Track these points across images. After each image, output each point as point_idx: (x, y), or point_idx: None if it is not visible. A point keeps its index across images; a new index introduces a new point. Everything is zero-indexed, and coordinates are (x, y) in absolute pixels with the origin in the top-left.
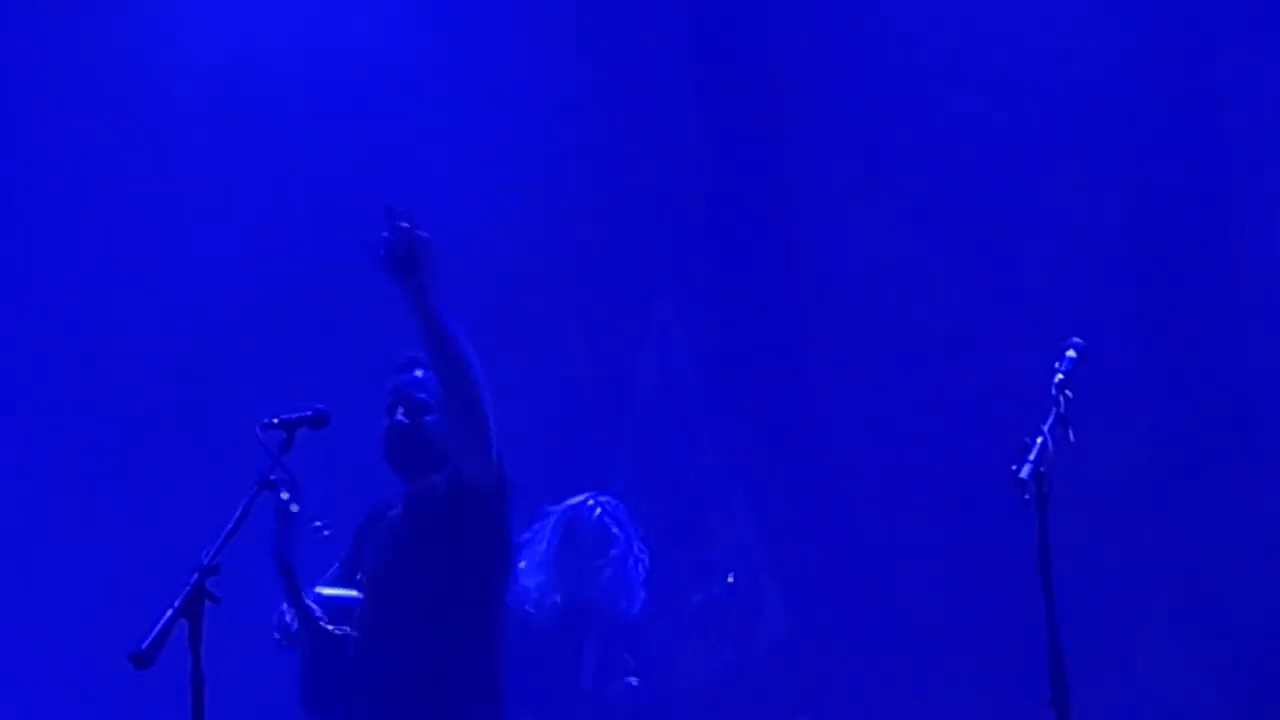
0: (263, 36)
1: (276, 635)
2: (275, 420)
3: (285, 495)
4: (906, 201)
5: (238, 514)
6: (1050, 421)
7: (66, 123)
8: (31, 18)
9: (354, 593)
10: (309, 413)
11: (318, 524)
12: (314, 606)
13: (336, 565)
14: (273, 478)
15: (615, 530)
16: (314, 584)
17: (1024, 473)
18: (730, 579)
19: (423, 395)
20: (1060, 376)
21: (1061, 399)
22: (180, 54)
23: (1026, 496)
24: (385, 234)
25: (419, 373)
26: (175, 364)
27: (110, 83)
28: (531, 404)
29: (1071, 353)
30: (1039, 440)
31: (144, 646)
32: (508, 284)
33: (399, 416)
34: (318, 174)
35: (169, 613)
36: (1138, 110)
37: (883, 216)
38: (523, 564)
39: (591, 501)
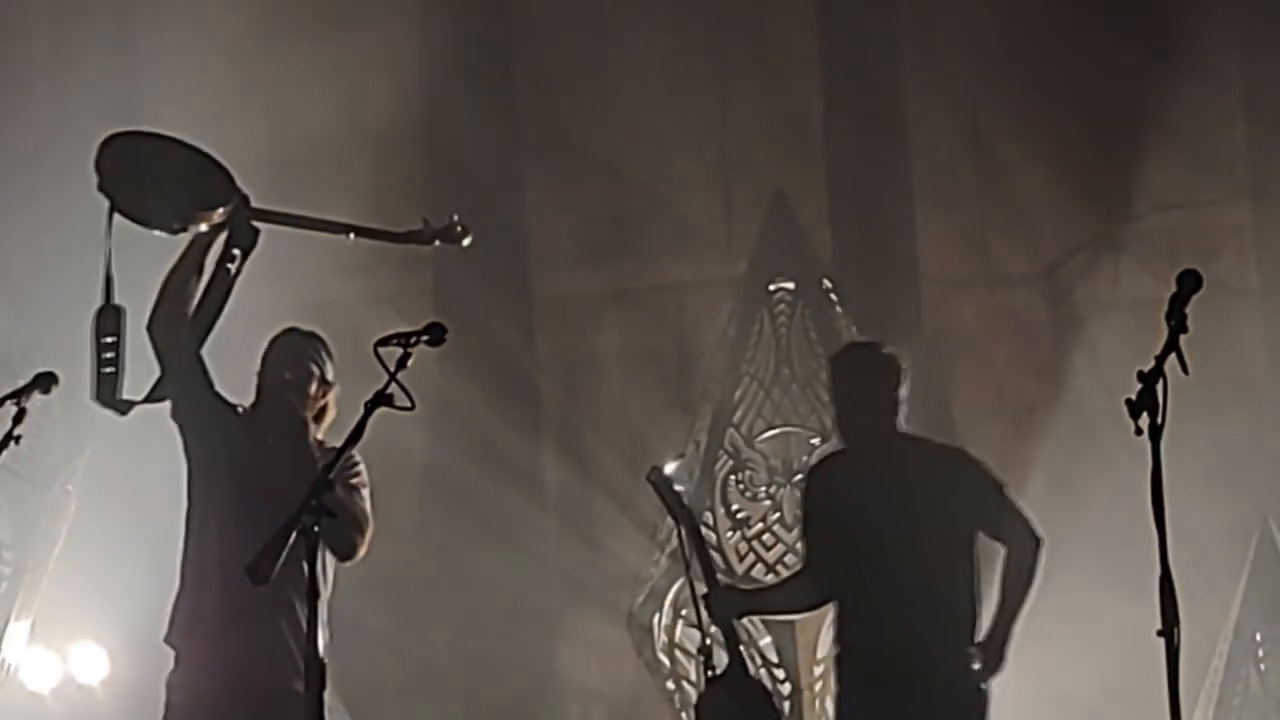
0: None
1: None
2: (391, 336)
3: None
4: None
5: (353, 429)
6: (1162, 351)
7: None
8: None
9: None
10: (424, 328)
11: None
12: None
13: None
14: (389, 393)
15: None
16: None
17: (1139, 402)
18: None
19: None
20: (1172, 306)
21: (1174, 329)
22: None
23: (1140, 427)
24: None
25: None
26: None
27: None
28: None
29: (1183, 283)
30: (1151, 370)
31: (261, 558)
32: None
33: None
34: None
35: (286, 525)
36: None
37: None
38: None
39: None
